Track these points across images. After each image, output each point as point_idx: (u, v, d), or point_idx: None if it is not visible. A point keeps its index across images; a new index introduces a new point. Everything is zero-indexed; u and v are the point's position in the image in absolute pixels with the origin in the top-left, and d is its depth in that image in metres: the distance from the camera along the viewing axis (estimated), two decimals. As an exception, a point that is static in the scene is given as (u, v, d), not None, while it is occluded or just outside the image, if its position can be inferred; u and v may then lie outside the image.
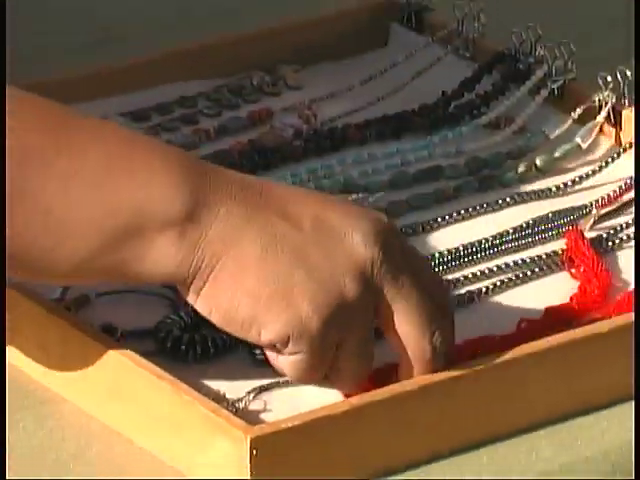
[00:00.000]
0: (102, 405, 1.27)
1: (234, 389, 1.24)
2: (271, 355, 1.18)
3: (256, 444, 1.12)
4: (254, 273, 1.16)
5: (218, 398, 1.21)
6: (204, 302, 1.17)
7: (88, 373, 1.28)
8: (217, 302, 1.17)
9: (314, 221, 1.19)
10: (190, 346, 1.29)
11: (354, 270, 1.15)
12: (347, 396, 1.18)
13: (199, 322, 1.29)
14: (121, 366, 1.24)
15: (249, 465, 1.12)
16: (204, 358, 1.30)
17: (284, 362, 1.17)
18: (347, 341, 1.16)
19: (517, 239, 1.55)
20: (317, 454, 1.17)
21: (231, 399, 1.21)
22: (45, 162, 1.18)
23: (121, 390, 1.26)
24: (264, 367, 1.26)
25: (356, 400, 1.16)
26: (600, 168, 1.74)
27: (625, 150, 1.74)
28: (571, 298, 1.41)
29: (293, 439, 1.15)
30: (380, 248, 1.16)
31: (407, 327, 1.15)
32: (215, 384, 1.25)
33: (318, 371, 1.17)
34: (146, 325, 1.35)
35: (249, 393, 1.22)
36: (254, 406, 1.23)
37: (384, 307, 1.16)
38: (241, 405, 1.21)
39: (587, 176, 1.74)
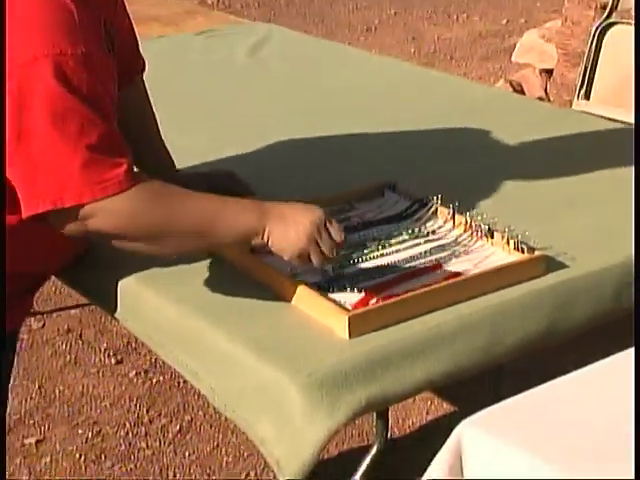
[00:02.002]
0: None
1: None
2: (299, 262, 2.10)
3: (353, 319, 2.02)
4: (279, 235, 2.08)
5: (337, 303, 2.09)
6: (271, 243, 2.08)
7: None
8: (274, 242, 2.08)
9: (290, 213, 2.10)
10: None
11: (308, 227, 2.07)
12: (358, 305, 2.06)
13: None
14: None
15: (347, 328, 2.02)
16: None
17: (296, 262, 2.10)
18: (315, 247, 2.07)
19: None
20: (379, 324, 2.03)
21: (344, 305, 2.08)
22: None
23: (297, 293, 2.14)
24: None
25: (384, 299, 2.07)
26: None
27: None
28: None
29: (370, 318, 2.04)
30: (313, 222, 2.08)
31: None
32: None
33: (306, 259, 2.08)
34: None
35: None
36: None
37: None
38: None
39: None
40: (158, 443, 3.45)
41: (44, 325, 4.02)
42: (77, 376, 3.79)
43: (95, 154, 1.93)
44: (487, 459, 1.67)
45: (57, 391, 3.72)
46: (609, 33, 4.21)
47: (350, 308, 2.08)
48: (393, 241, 2.33)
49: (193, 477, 3.30)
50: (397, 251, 2.31)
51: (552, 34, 5.40)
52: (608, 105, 4.15)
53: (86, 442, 3.47)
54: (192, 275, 2.26)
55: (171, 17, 4.06)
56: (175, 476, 3.31)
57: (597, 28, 4.24)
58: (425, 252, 2.29)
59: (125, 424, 3.54)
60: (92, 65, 1.98)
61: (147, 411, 3.60)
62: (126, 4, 2.44)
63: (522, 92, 5.23)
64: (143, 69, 2.57)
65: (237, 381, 2.03)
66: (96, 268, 2.36)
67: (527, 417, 1.73)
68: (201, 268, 2.27)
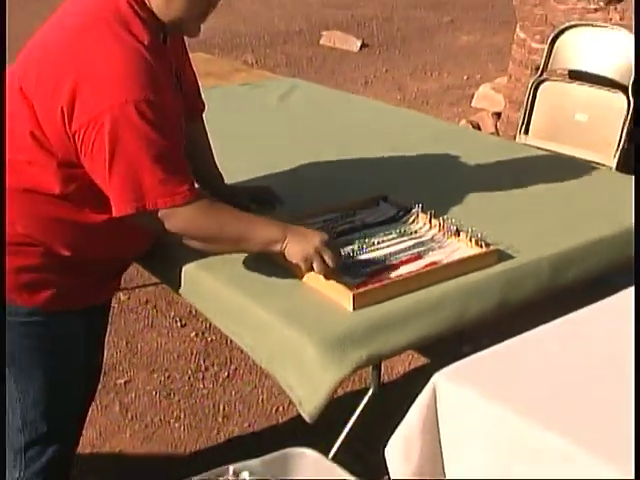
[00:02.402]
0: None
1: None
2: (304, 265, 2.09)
3: (356, 296, 2.02)
4: (294, 245, 2.08)
5: (347, 284, 2.08)
6: (286, 252, 2.09)
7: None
8: (289, 252, 2.09)
9: (306, 233, 2.12)
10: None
11: (316, 243, 2.07)
12: (360, 286, 2.06)
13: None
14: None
15: (352, 303, 2.03)
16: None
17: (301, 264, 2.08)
18: (318, 257, 2.07)
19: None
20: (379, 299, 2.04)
21: (349, 285, 2.08)
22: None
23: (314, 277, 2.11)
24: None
25: (381, 281, 2.06)
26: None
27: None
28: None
29: (368, 295, 2.03)
30: (320, 240, 2.09)
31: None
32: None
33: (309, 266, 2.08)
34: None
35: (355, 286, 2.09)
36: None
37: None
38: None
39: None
40: (211, 385, 3.45)
41: (129, 297, 4.04)
42: (153, 335, 3.79)
43: (167, 175, 1.97)
44: (456, 406, 1.63)
45: (139, 346, 3.73)
46: (541, 87, 4.22)
47: (354, 287, 2.06)
48: (385, 238, 2.31)
49: (237, 410, 3.29)
50: (388, 246, 2.28)
51: (500, 87, 5.41)
52: (542, 139, 4.15)
53: (160, 383, 3.47)
54: (236, 263, 2.24)
55: (222, 73, 4.11)
56: (224, 409, 3.30)
57: (533, 83, 4.26)
58: (409, 247, 2.27)
59: (187, 371, 3.54)
60: (165, 107, 1.98)
61: (203, 361, 3.59)
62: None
63: (479, 129, 5.22)
64: (203, 109, 2.54)
65: (269, 341, 2.04)
66: (165, 256, 2.34)
67: (494, 369, 1.69)
68: (243, 258, 2.25)
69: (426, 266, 2.17)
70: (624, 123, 3.83)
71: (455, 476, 1.62)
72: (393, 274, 2.14)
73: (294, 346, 1.96)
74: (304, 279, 2.14)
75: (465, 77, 6.72)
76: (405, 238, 2.31)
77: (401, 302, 2.06)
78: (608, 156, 3.81)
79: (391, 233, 2.33)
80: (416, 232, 2.34)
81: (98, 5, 2.03)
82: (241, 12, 8.34)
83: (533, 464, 1.48)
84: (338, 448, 2.07)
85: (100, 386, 2.56)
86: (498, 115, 5.25)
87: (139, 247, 2.30)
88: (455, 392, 1.63)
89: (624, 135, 3.82)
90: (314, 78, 5.75)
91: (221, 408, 3.30)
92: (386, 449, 1.72)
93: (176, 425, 3.22)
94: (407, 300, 2.07)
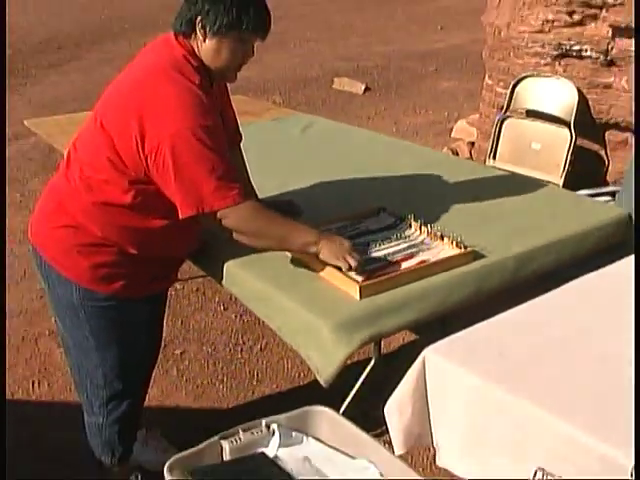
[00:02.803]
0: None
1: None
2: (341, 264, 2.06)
3: (362, 288, 2.00)
4: (328, 249, 2.06)
5: (353, 278, 2.05)
6: (321, 254, 2.07)
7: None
8: (324, 253, 2.06)
9: (335, 239, 2.09)
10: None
11: (344, 248, 2.06)
12: (365, 280, 2.03)
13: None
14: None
15: (358, 293, 2.01)
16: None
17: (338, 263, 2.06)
18: (350, 257, 2.05)
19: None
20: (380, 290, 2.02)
21: (356, 279, 2.05)
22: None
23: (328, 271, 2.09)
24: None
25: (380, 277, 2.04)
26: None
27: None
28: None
29: (371, 287, 2.01)
30: (348, 244, 2.08)
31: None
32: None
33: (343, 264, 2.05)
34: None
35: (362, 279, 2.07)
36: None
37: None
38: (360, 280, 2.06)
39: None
40: (247, 355, 3.41)
41: (183, 287, 3.99)
42: (202, 317, 3.75)
43: (221, 182, 1.96)
44: (441, 375, 1.62)
45: (191, 324, 3.68)
46: (505, 122, 4.28)
47: (360, 281, 2.03)
48: (385, 241, 2.28)
49: (268, 376, 3.26)
50: (387, 247, 2.25)
51: (474, 122, 5.36)
52: (506, 162, 4.21)
53: (207, 354, 3.44)
54: (266, 260, 2.22)
55: (256, 111, 4.08)
56: (257, 375, 3.27)
57: (498, 120, 4.30)
58: (404, 248, 2.24)
59: (229, 344, 3.50)
60: (216, 131, 2.00)
61: (241, 337, 3.55)
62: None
63: (457, 154, 5.17)
64: (240, 140, 2.52)
65: (293, 323, 2.02)
66: (210, 255, 2.33)
67: (472, 345, 1.66)
68: (273, 257, 2.22)
69: (417, 264, 2.14)
70: (568, 150, 3.97)
71: (439, 432, 1.60)
72: (391, 270, 2.11)
73: (313, 327, 1.95)
74: (321, 273, 2.11)
75: (446, 114, 6.68)
76: (400, 241, 2.27)
77: (398, 292, 2.03)
78: (557, 176, 3.97)
79: (389, 237, 2.29)
80: (409, 237, 2.31)
81: (159, 57, 2.06)
82: (270, 63, 8.34)
83: (502, 421, 1.45)
84: (347, 406, 2.07)
85: (161, 356, 2.55)
86: (472, 144, 5.21)
87: (190, 247, 2.30)
88: (440, 364, 1.62)
89: (568, 159, 3.97)
90: (328, 115, 5.71)
91: (255, 374, 3.27)
92: (385, 408, 1.71)
93: (220, 386, 3.19)
94: (402, 291, 2.04)
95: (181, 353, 3.43)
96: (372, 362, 2.13)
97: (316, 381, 1.97)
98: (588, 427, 1.32)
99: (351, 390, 2.11)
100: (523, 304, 1.81)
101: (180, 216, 2.01)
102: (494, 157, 4.30)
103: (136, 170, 2.00)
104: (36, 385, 3.23)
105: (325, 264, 2.10)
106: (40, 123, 4.00)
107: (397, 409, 1.67)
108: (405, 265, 2.13)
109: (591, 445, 1.28)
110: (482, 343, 1.66)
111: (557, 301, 1.81)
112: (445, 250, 2.21)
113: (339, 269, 2.06)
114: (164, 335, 2.54)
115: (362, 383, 2.09)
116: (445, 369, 1.60)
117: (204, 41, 2.03)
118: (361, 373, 2.14)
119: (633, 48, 3.67)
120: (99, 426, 2.35)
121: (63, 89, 8.19)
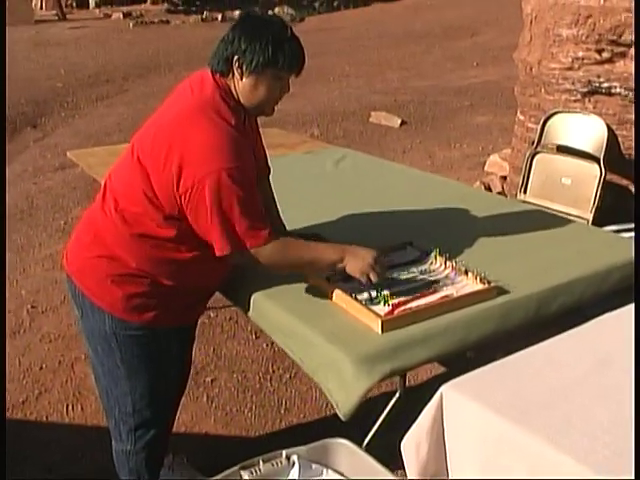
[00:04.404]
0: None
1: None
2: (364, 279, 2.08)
3: (384, 322, 1.98)
4: (352, 264, 2.08)
5: (375, 312, 2.04)
6: (347, 268, 2.08)
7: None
8: (349, 268, 2.08)
9: (359, 253, 2.09)
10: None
11: (369, 261, 2.06)
12: (388, 314, 2.01)
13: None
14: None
15: (380, 327, 1.99)
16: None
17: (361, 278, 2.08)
18: (373, 272, 2.06)
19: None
20: (404, 324, 1.99)
21: (378, 313, 2.04)
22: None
23: (351, 305, 2.08)
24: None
25: (402, 309, 2.02)
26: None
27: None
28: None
29: (393, 321, 1.99)
30: (372, 257, 2.08)
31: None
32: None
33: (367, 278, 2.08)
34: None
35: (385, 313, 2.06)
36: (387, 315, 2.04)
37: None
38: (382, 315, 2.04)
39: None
40: (277, 384, 3.41)
41: (217, 315, 3.99)
42: (234, 344, 3.75)
43: (252, 222, 1.99)
44: (458, 412, 1.59)
45: (222, 352, 3.68)
46: (536, 157, 4.25)
47: (382, 315, 2.01)
48: (410, 275, 2.26)
49: (296, 405, 3.25)
50: (411, 281, 2.23)
51: (506, 156, 5.34)
52: (536, 197, 4.18)
53: (238, 382, 3.43)
54: (290, 293, 2.22)
55: (290, 144, 4.09)
56: (285, 404, 3.26)
57: (530, 154, 4.27)
58: (427, 283, 2.22)
59: (259, 372, 3.50)
60: (247, 170, 2.00)
61: (272, 365, 3.55)
62: (262, 137, 2.41)
63: (490, 189, 5.14)
64: (269, 172, 2.52)
65: (315, 355, 1.99)
66: (236, 286, 2.32)
67: (490, 383, 1.63)
68: (297, 289, 2.22)
69: (440, 299, 2.11)
70: (598, 185, 3.95)
71: (455, 469, 1.57)
72: (414, 305, 2.08)
73: (333, 360, 1.92)
74: (344, 305, 2.09)
75: (480, 148, 6.66)
76: (425, 276, 2.25)
77: (420, 327, 2.00)
78: (587, 211, 3.94)
79: (414, 271, 2.27)
80: (434, 271, 2.29)
81: (197, 96, 2.08)
82: (309, 97, 8.40)
83: (517, 460, 1.42)
84: (371, 438, 2.03)
85: (192, 382, 2.54)
86: (504, 178, 5.18)
87: (222, 278, 2.30)
88: (458, 400, 1.59)
89: (598, 195, 3.95)
90: (364, 148, 5.72)
91: (283, 402, 3.26)
92: (402, 444, 1.68)
93: (249, 414, 3.18)
94: (424, 326, 2.01)
95: (212, 380, 3.43)
96: (397, 395, 2.09)
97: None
98: (603, 469, 1.28)
99: (376, 422, 2.07)
100: (543, 342, 1.78)
101: (217, 254, 2.03)
102: (525, 191, 4.27)
103: (170, 206, 2.01)
104: (70, 408, 3.25)
105: (342, 296, 2.11)
106: (81, 154, 4.06)
107: (414, 445, 1.64)
108: (428, 300, 2.10)
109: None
110: (500, 381, 1.63)
111: (577, 339, 1.78)
112: (469, 285, 2.18)
113: (359, 296, 2.08)
114: (196, 362, 2.55)
115: (387, 415, 2.06)
116: (462, 406, 1.57)
117: (241, 79, 2.05)
118: (387, 405, 2.08)
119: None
120: (127, 453, 2.35)
121: (110, 121, 8.33)
